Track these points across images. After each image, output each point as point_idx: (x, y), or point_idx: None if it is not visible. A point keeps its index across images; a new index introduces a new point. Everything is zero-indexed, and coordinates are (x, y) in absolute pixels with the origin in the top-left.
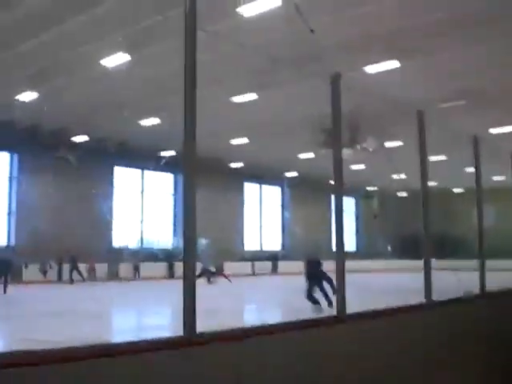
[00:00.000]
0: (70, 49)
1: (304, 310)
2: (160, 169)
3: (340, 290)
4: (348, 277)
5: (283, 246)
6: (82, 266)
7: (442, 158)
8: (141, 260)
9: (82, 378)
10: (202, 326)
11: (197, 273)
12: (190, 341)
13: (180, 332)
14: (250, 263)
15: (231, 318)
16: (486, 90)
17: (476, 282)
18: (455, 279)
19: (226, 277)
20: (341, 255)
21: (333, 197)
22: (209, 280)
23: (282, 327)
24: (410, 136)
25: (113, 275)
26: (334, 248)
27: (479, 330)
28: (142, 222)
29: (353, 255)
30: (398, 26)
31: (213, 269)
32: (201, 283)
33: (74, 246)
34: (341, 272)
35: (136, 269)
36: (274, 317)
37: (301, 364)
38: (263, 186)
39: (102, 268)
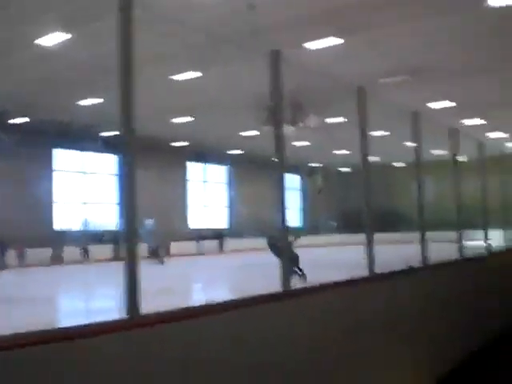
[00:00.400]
0: (4, 29)
1: (251, 288)
2: (102, 150)
3: (284, 265)
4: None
5: (230, 223)
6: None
7: (385, 133)
8: (86, 243)
9: (24, 364)
10: (149, 307)
11: (145, 254)
12: (133, 322)
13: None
14: (195, 242)
15: (178, 299)
16: (427, 66)
17: (418, 254)
18: (397, 252)
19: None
20: (284, 232)
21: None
22: (159, 260)
23: (228, 305)
24: (353, 112)
25: (58, 259)
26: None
27: (422, 302)
28: (85, 204)
29: (298, 231)
30: (339, 2)
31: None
32: (148, 263)
33: (10, 231)
34: (284, 247)
35: (85, 251)
36: (221, 295)
37: (249, 341)
38: (208, 165)
39: (44, 252)
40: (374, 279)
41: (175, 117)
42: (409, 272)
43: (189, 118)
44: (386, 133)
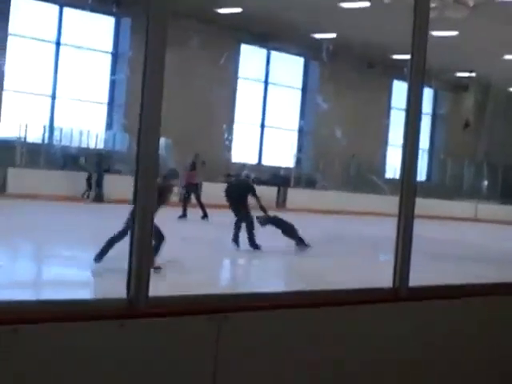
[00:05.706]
0: None
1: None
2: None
3: (404, 253)
4: (417, 226)
5: (299, 160)
6: None
7: None
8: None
9: None
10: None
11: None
12: (135, 309)
13: None
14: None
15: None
16: None
17: None
18: None
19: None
20: (411, 191)
21: (397, 84)
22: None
23: (282, 297)
24: None
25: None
26: (388, 173)
27: None
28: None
29: (421, 188)
30: None
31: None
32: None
33: None
34: (409, 223)
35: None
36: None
37: (314, 347)
38: (274, 53)
39: None
40: None
41: None
42: None
43: None
44: None
